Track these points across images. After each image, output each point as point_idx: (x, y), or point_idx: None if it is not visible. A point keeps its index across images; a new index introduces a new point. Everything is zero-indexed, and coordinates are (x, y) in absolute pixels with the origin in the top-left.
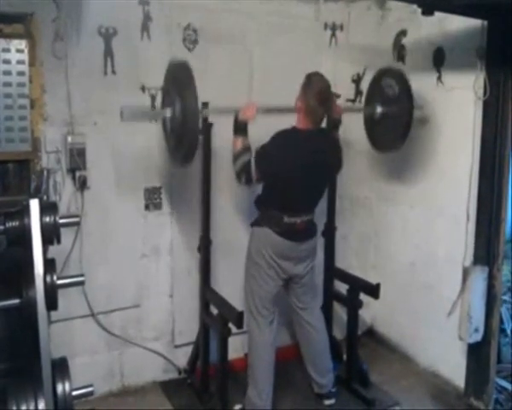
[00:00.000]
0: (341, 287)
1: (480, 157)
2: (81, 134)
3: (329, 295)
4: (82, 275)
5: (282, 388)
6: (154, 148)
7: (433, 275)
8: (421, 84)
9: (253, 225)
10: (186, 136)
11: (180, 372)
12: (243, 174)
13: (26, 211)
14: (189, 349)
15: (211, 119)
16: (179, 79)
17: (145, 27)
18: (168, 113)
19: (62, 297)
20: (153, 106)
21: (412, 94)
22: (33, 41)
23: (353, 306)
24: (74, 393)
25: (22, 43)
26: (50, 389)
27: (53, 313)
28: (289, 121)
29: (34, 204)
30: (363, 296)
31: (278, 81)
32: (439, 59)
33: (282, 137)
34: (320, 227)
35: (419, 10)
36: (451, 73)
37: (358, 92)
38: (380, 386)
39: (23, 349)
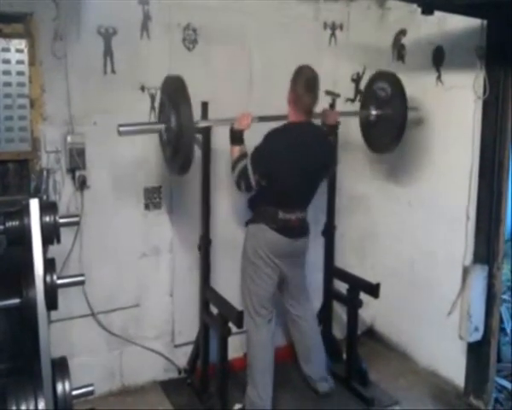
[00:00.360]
0: (341, 286)
1: (480, 156)
2: (81, 134)
3: (329, 295)
4: (82, 275)
5: (282, 387)
6: (153, 148)
7: (432, 274)
8: (421, 83)
9: (248, 223)
10: (182, 149)
11: (180, 372)
12: (242, 181)
13: (25, 211)
14: (189, 349)
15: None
16: (174, 94)
17: (145, 27)
18: (163, 127)
19: (62, 297)
20: (152, 106)
21: (406, 97)
22: (33, 41)
23: (353, 305)
24: (74, 392)
25: (22, 43)
26: (50, 388)
27: (53, 313)
28: None
29: (34, 204)
30: (362, 296)
31: (278, 80)
32: (439, 58)
33: (274, 135)
34: (320, 227)
35: (419, 10)
36: (451, 72)
37: (358, 92)
38: (379, 385)
39: (23, 349)
